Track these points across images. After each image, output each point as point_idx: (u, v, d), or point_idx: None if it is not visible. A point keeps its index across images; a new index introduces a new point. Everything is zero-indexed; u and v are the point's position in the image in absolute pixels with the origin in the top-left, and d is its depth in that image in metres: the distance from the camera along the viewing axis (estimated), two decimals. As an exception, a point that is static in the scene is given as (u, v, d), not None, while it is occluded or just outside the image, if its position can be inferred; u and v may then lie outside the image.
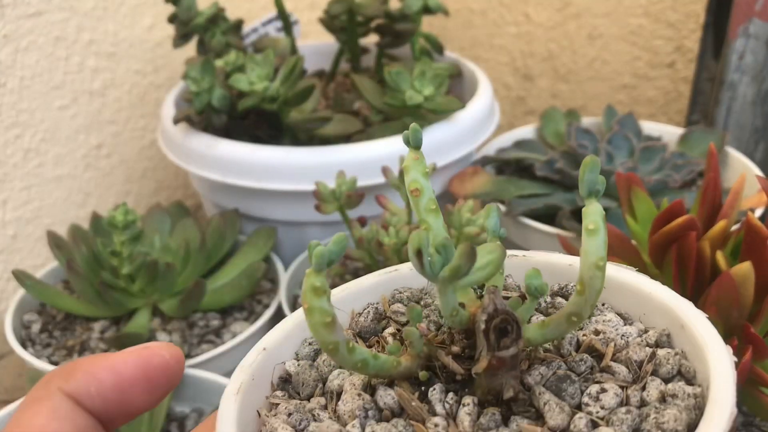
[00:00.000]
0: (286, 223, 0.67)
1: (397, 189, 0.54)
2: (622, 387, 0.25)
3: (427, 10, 0.71)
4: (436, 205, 0.26)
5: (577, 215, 0.63)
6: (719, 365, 0.23)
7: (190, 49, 0.75)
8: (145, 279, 0.58)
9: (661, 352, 0.26)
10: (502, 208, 0.64)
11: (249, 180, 0.63)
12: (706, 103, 0.77)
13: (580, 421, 0.23)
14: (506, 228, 0.65)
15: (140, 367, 0.25)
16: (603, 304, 0.29)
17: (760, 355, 0.37)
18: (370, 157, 0.61)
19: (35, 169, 0.72)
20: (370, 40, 0.77)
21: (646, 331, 0.27)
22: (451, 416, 0.24)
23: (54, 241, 0.62)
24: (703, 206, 0.44)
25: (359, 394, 0.26)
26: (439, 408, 0.24)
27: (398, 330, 0.29)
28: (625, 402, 0.24)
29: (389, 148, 0.62)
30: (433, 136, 0.64)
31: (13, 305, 0.62)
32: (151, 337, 0.58)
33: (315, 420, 0.26)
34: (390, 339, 0.28)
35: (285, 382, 0.29)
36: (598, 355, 0.26)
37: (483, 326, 0.23)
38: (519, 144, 0.73)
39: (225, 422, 0.25)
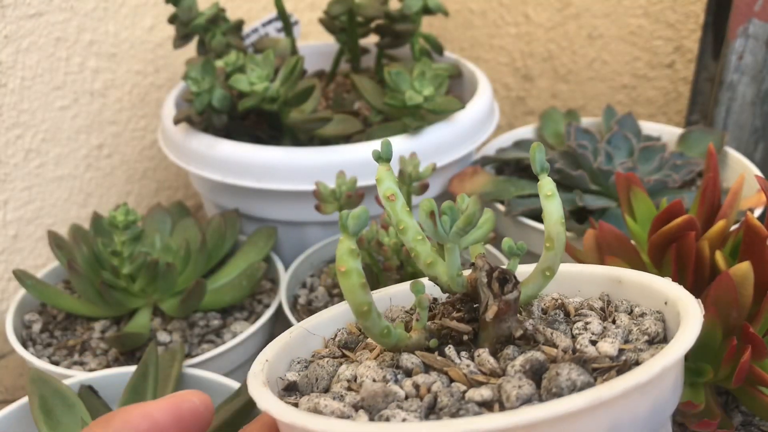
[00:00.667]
0: (286, 223, 0.67)
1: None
2: (600, 319, 0.29)
3: (426, 10, 0.71)
4: (409, 208, 0.30)
5: (576, 215, 0.63)
6: (667, 283, 0.29)
7: (191, 49, 0.75)
8: (145, 279, 0.58)
9: (610, 305, 0.30)
10: (502, 208, 0.64)
11: (249, 180, 0.63)
12: (705, 104, 0.77)
13: (583, 340, 0.27)
14: (506, 228, 0.66)
15: (172, 413, 0.27)
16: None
17: (760, 354, 0.37)
18: (370, 157, 0.61)
19: (36, 169, 0.72)
20: (370, 40, 0.77)
21: (588, 299, 0.31)
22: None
23: (55, 241, 0.62)
24: (702, 206, 0.45)
25: (380, 368, 0.27)
26: (458, 361, 0.27)
27: None
28: (607, 329, 0.28)
29: (389, 148, 0.62)
30: (433, 136, 0.64)
31: (14, 305, 0.62)
32: (151, 337, 0.59)
33: (347, 396, 0.27)
34: (375, 343, 0.30)
35: (290, 390, 0.29)
36: (565, 312, 0.30)
37: (485, 280, 0.27)
38: (519, 144, 0.73)
39: (266, 399, 0.25)
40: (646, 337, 0.27)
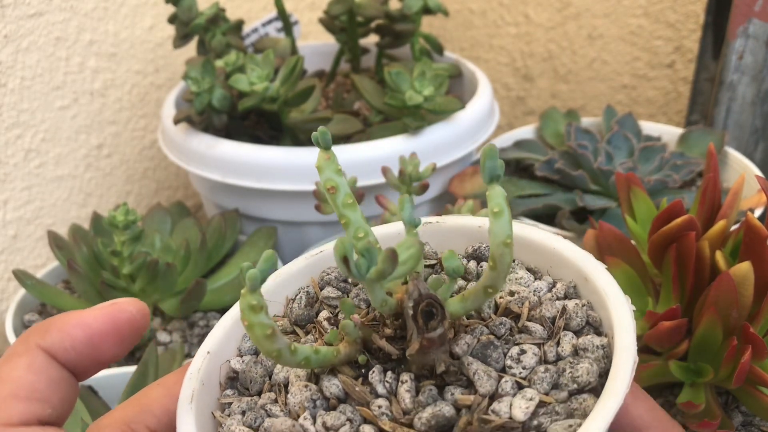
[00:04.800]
0: (286, 223, 0.67)
1: (397, 189, 0.55)
2: (539, 345, 0.27)
3: (426, 10, 0.71)
4: (352, 199, 0.28)
5: (576, 215, 0.63)
6: (619, 314, 0.26)
7: (191, 49, 0.75)
8: (145, 279, 0.58)
9: (570, 304, 0.28)
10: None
11: (249, 180, 0.63)
12: (705, 104, 0.77)
13: (506, 384, 0.25)
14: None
15: (109, 321, 0.27)
16: (514, 261, 0.31)
17: (760, 355, 0.37)
18: (370, 157, 0.61)
19: (36, 169, 0.72)
20: (370, 40, 0.77)
21: (554, 285, 0.30)
22: (393, 393, 0.26)
23: (55, 241, 0.62)
24: (702, 206, 0.45)
25: (306, 385, 0.27)
26: (380, 389, 0.26)
27: (332, 314, 0.31)
28: (543, 359, 0.27)
29: (389, 148, 0.62)
30: (433, 136, 0.64)
31: (13, 305, 0.62)
32: (151, 337, 0.59)
33: (268, 415, 0.27)
34: (326, 324, 0.30)
35: (233, 380, 0.30)
36: (515, 316, 0.28)
37: (411, 312, 0.25)
38: (519, 144, 0.73)
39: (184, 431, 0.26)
40: (574, 386, 0.25)
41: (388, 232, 0.33)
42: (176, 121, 0.67)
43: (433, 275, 0.30)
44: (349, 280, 0.32)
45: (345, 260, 0.24)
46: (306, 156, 0.62)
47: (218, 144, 0.64)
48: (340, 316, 0.30)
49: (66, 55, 0.72)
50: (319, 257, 0.33)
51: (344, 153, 0.62)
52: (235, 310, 0.31)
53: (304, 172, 0.62)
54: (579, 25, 0.89)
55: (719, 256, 0.40)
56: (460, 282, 0.31)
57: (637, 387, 0.29)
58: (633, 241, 0.47)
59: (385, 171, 0.55)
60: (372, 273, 0.24)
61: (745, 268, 0.37)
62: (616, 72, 0.89)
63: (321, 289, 0.32)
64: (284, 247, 0.69)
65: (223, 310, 0.62)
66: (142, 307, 0.28)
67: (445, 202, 0.68)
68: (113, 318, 0.27)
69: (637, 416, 0.29)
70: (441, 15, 0.73)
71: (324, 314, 0.31)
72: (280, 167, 0.62)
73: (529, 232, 0.31)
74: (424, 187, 0.54)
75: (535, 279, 0.30)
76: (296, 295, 0.32)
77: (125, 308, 0.27)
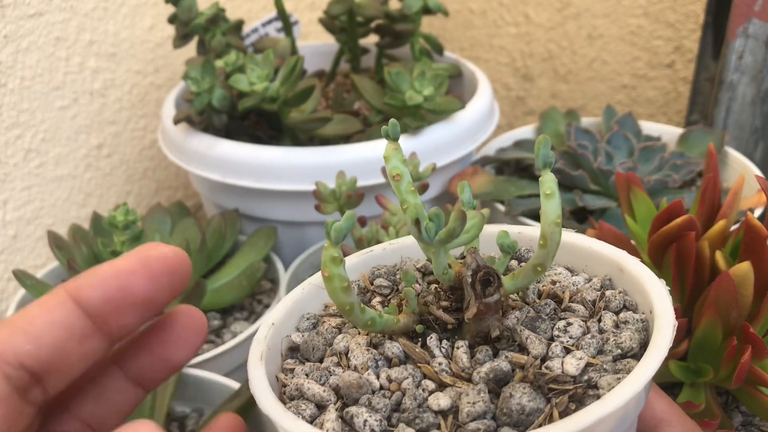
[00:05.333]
0: (286, 223, 0.67)
1: (397, 189, 0.55)
2: (583, 320, 0.30)
3: (426, 10, 0.71)
4: (414, 187, 0.30)
5: (576, 215, 0.63)
6: (658, 292, 0.29)
7: (191, 49, 0.75)
8: (145, 279, 0.58)
9: (607, 292, 0.31)
10: (502, 208, 0.64)
11: (249, 180, 0.63)
12: (705, 104, 0.77)
13: (556, 348, 0.28)
14: (506, 228, 0.66)
15: (138, 258, 0.27)
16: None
17: (760, 355, 0.37)
18: (370, 157, 0.61)
19: (36, 169, 0.72)
20: (370, 40, 0.77)
21: (590, 279, 0.32)
22: (449, 357, 0.29)
23: (54, 241, 0.62)
24: (702, 206, 0.45)
25: (367, 349, 0.29)
26: (437, 352, 0.29)
27: (384, 299, 0.33)
28: (587, 332, 0.29)
29: (389, 148, 0.62)
30: (433, 136, 0.64)
31: (13, 305, 0.62)
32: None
33: (332, 375, 0.29)
34: (379, 307, 0.32)
35: (293, 351, 0.32)
36: (558, 300, 0.31)
37: (470, 279, 0.28)
38: (519, 144, 0.73)
39: (258, 385, 0.28)
40: (618, 351, 0.28)
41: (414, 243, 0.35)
42: (176, 121, 0.67)
43: (487, 255, 0.32)
44: (397, 276, 0.34)
45: (417, 222, 0.26)
46: (306, 156, 0.62)
47: (218, 144, 0.64)
48: (393, 301, 0.32)
49: (66, 55, 0.72)
50: (369, 255, 0.35)
51: (344, 153, 0.62)
52: (295, 292, 0.33)
53: (304, 172, 0.62)
54: (579, 25, 0.89)
55: (719, 256, 0.40)
56: None
57: (656, 385, 0.32)
58: (633, 241, 0.47)
59: (385, 171, 0.55)
60: (442, 233, 0.26)
61: (744, 268, 0.37)
62: (616, 72, 0.89)
63: (371, 283, 0.34)
64: (284, 247, 0.69)
65: (223, 310, 0.62)
66: (177, 249, 0.28)
67: (445, 202, 0.68)
68: (141, 256, 0.27)
69: (659, 410, 0.31)
70: (441, 15, 0.73)
71: (377, 300, 0.33)
72: (280, 167, 0.62)
73: (566, 235, 0.33)
74: (424, 187, 0.54)
75: (573, 275, 0.33)
76: None
77: (154, 246, 0.27)
